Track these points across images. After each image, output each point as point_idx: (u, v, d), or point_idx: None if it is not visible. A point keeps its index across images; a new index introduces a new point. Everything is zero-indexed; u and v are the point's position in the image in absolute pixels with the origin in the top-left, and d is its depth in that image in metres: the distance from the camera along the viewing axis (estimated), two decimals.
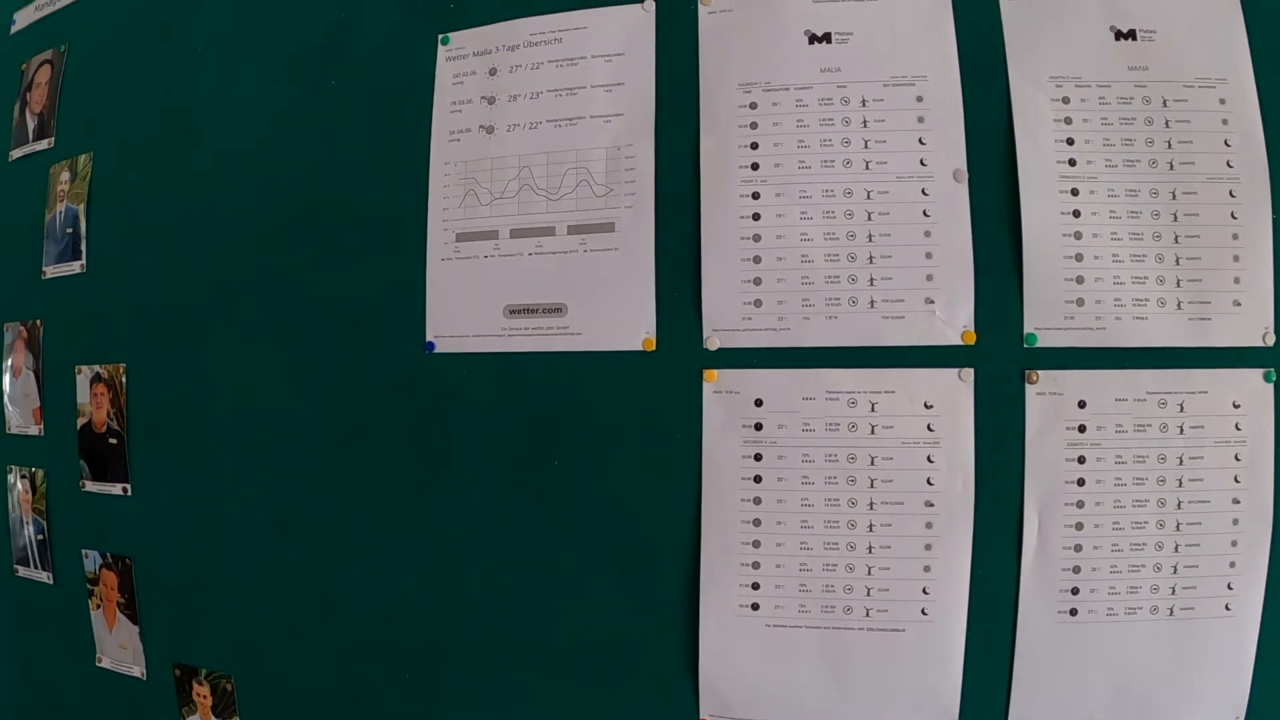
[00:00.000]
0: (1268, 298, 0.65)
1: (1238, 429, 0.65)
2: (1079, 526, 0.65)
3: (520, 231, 0.72)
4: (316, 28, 0.81)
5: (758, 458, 0.67)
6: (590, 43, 0.72)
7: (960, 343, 0.65)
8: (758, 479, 0.67)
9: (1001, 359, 0.65)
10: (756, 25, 0.69)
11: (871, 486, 0.66)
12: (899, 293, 0.66)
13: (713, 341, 0.68)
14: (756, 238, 0.67)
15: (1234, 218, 0.65)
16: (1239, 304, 0.65)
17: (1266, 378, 0.65)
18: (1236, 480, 0.65)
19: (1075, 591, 0.65)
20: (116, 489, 0.89)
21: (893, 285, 0.66)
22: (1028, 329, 0.65)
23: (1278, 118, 0.66)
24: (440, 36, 0.77)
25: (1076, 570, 0.65)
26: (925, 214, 0.66)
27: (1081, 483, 0.65)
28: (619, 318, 0.69)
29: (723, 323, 0.68)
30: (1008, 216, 0.66)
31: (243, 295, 0.83)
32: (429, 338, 0.74)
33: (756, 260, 0.67)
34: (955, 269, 0.65)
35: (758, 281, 0.67)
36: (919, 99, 0.67)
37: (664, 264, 0.69)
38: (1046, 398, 0.65)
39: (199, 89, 0.86)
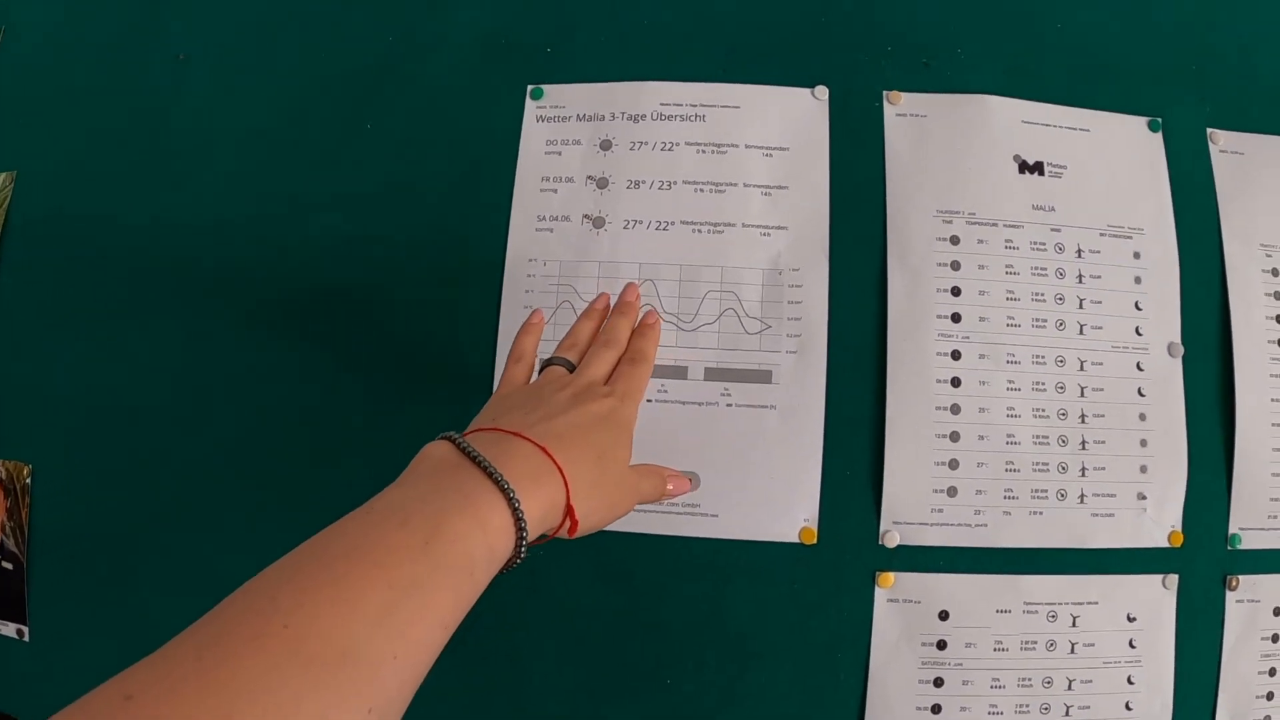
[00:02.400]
0: None
1: None
2: None
3: None
4: (353, 51, 0.57)
5: (938, 683, 0.53)
6: (744, 128, 0.55)
7: (1166, 545, 0.56)
8: (935, 709, 0.53)
9: (1204, 563, 0.56)
10: (956, 140, 0.56)
11: (1066, 715, 0.54)
12: (1111, 486, 0.55)
13: (891, 538, 0.53)
14: (955, 409, 0.54)
15: None
16: None
17: None
18: None
19: None
20: (9, 630, 0.61)
21: (1105, 476, 0.55)
22: (1232, 529, 0.56)
23: None
24: (530, 88, 0.56)
25: None
26: (1140, 393, 0.55)
27: (1270, 697, 0.57)
28: (770, 498, 0.53)
29: (906, 513, 0.53)
30: (1217, 399, 0.57)
31: (224, 397, 0.57)
32: None
33: (954, 438, 0.53)
34: (1170, 459, 0.55)
35: (954, 464, 0.53)
36: (1136, 255, 0.56)
37: (833, 432, 0.54)
38: (1245, 605, 0.57)
39: (174, 111, 0.59)
